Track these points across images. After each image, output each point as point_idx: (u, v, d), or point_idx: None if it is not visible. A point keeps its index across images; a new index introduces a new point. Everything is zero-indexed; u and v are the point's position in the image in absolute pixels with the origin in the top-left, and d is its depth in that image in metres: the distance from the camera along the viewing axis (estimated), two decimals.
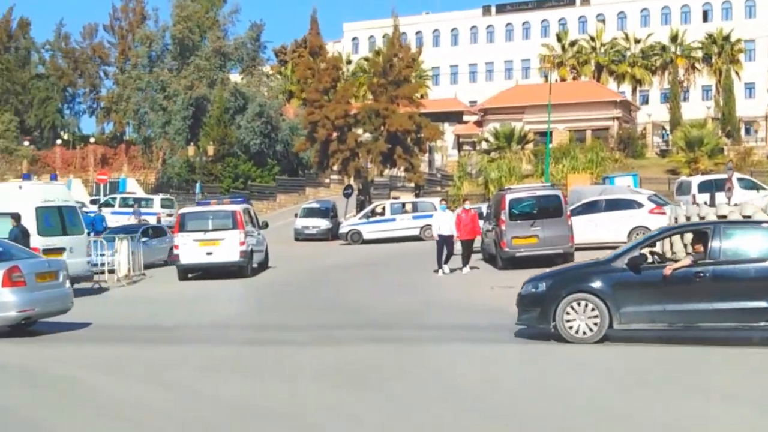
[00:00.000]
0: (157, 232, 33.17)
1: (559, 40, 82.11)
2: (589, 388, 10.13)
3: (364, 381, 10.78)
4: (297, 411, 9.28)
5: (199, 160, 65.33)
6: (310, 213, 45.69)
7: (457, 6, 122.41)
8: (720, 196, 24.90)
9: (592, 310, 12.63)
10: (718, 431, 8.36)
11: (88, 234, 25.04)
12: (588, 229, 26.20)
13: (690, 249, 13.78)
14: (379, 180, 60.09)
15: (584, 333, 12.65)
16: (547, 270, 14.72)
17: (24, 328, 15.46)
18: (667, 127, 72.25)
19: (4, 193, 22.09)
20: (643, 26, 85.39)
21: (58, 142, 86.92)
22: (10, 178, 47.46)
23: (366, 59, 78.95)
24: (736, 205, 20.18)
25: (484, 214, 29.81)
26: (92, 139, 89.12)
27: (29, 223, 20.93)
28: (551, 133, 53.82)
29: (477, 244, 26.65)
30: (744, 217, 17.49)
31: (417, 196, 51.13)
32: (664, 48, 79.74)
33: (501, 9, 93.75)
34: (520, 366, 12.00)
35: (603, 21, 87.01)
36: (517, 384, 10.66)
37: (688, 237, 15.19)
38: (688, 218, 20.43)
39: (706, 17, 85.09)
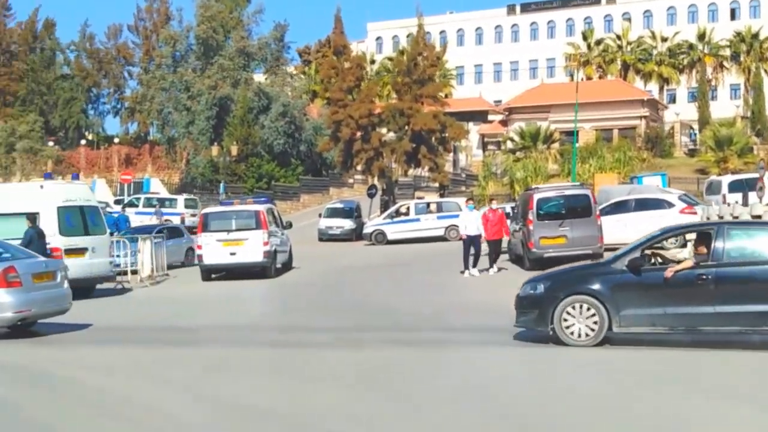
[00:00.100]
0: (174, 232, 32.63)
1: (585, 38, 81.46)
2: (592, 391, 9.83)
3: (386, 386, 10.41)
4: (298, 411, 9.12)
5: (223, 160, 65.25)
6: (333, 213, 45.42)
7: (481, 5, 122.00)
8: (752, 196, 24.41)
9: (591, 312, 12.30)
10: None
11: (111, 234, 24.84)
12: (617, 230, 25.62)
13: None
14: (403, 180, 59.74)
15: (583, 336, 12.33)
16: (547, 271, 14.34)
17: (24, 329, 15.23)
18: (695, 127, 71.44)
19: (26, 193, 21.94)
20: (669, 24, 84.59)
21: (83, 142, 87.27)
22: (34, 178, 47.45)
23: (390, 59, 78.57)
24: None
25: (510, 214, 29.40)
26: (116, 140, 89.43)
27: (51, 223, 20.74)
28: (578, 132, 53.22)
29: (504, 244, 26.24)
30: (753, 217, 17.03)
31: (441, 196, 50.70)
32: (691, 46, 78.84)
33: (526, 8, 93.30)
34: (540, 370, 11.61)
35: (629, 19, 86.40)
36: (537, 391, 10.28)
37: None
38: (720, 218, 19.93)
39: (733, 15, 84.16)
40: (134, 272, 25.15)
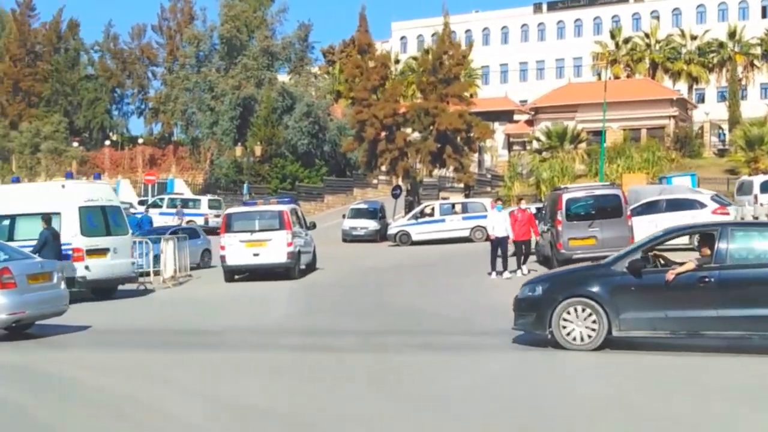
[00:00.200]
0: (190, 234, 31.92)
1: (613, 37, 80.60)
2: (590, 395, 9.35)
3: (411, 393, 10.01)
4: (297, 411, 9.02)
5: (247, 161, 65.08)
6: (358, 214, 45.07)
7: (507, 4, 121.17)
8: None
9: (590, 315, 11.96)
10: None
11: (133, 234, 24.55)
12: (648, 231, 24.96)
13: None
14: (428, 180, 59.24)
15: (581, 340, 11.99)
16: (546, 272, 13.92)
17: (20, 331, 14.99)
18: (725, 126, 70.46)
19: (47, 193, 21.69)
20: (699, 23, 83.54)
21: (107, 143, 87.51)
22: (59, 179, 47.46)
23: (414, 58, 78.08)
24: None
25: (536, 215, 28.85)
26: (140, 140, 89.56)
27: (72, 223, 20.49)
28: (605, 131, 52.53)
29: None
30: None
31: (467, 196, 50.19)
32: (721, 45, 77.72)
33: (552, 6, 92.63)
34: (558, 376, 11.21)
35: (657, 18, 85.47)
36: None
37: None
38: (755, 218, 19.40)
39: (764, 13, 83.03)
40: (157, 273, 24.86)
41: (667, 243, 13.17)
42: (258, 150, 63.97)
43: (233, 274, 25.91)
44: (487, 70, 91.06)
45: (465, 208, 40.67)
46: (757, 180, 34.67)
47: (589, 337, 11.95)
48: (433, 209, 41.45)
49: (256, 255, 25.27)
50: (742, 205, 31.45)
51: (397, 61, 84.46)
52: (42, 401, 10.05)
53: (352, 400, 9.79)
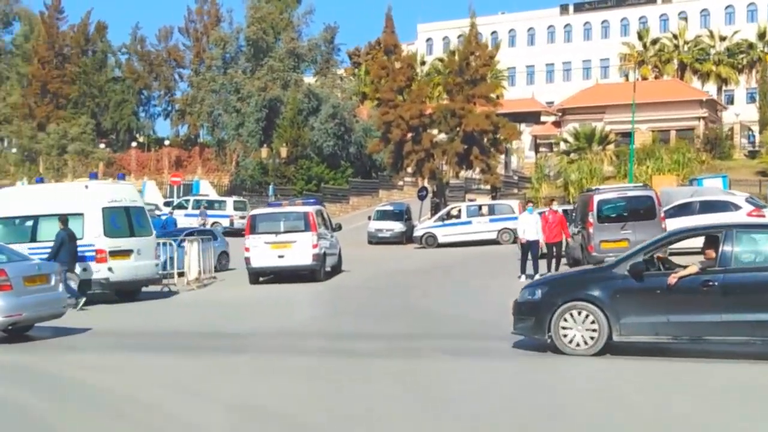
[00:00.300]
0: (205, 236, 31.30)
1: (641, 38, 79.82)
2: (588, 403, 9.13)
3: (439, 402, 9.64)
4: (302, 412, 8.99)
5: (272, 162, 64.95)
6: (383, 216, 44.70)
7: (533, 6, 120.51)
8: None
9: (590, 320, 11.65)
10: None
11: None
12: None
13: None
14: (454, 182, 58.82)
15: (581, 345, 11.68)
16: (545, 275, 13.52)
17: (18, 333, 14.77)
18: (755, 128, 69.53)
19: (71, 193, 21.44)
20: (728, 24, 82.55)
21: (134, 144, 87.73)
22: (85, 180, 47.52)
23: (440, 60, 77.67)
24: None
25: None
26: (167, 142, 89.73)
27: (95, 223, 20.27)
28: (634, 133, 51.88)
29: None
30: None
31: (493, 198, 49.72)
32: (751, 46, 76.78)
33: (579, 8, 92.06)
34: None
35: (685, 19, 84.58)
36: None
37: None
38: None
39: None
40: (181, 275, 24.61)
41: (682, 246, 12.82)
42: (283, 151, 63.82)
43: (258, 276, 25.62)
44: (513, 72, 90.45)
45: (492, 210, 40.23)
46: None
47: (590, 341, 11.67)
48: (459, 211, 41.04)
49: (281, 257, 24.96)
50: None
51: (422, 63, 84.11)
52: (62, 408, 9.81)
53: (361, 400, 9.68)
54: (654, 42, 79.19)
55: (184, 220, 41.84)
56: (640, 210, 23.14)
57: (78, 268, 19.60)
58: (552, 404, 9.50)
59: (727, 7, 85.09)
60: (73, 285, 19.05)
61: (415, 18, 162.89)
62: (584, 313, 11.68)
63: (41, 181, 25.02)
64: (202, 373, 11.76)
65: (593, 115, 62.95)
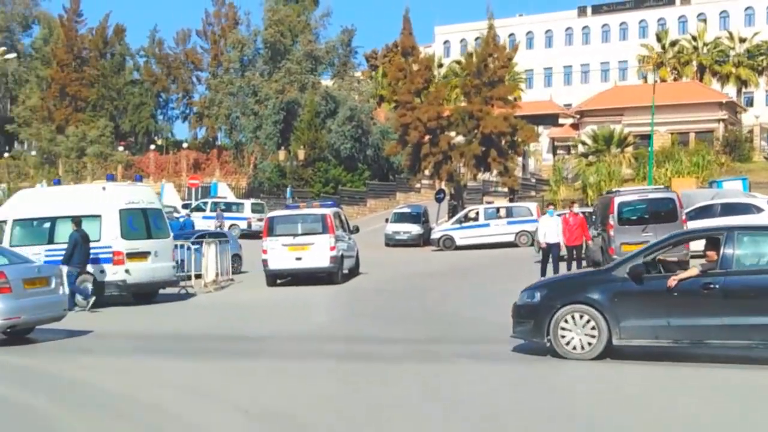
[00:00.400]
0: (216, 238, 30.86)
1: (659, 40, 79.33)
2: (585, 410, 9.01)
3: (470, 411, 9.49)
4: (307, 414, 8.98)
5: (290, 165, 64.92)
6: (401, 218, 44.58)
7: (551, 8, 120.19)
8: None
9: (589, 323, 11.51)
10: None
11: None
12: None
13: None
14: (471, 184, 58.56)
15: (580, 348, 11.54)
16: (545, 278, 13.36)
17: (19, 336, 14.69)
18: None
19: (88, 195, 21.45)
20: (747, 25, 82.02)
21: (152, 147, 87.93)
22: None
23: (458, 62, 77.50)
24: None
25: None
26: (185, 144, 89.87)
27: (113, 225, 20.25)
28: (653, 135, 51.55)
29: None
30: None
31: (511, 200, 49.45)
32: None
33: (597, 10, 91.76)
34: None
35: (704, 20, 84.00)
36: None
37: None
38: None
39: None
40: (198, 277, 24.55)
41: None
42: (301, 154, 63.78)
43: (275, 278, 25.56)
44: (531, 74, 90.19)
45: (510, 213, 40.06)
46: None
47: (589, 345, 11.54)
48: (477, 213, 40.88)
49: (298, 259, 24.89)
50: None
51: (440, 66, 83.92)
52: (62, 408, 9.73)
53: (366, 403, 9.63)
54: (673, 44, 78.69)
55: (201, 222, 41.83)
56: (662, 212, 22.93)
57: (92, 268, 19.58)
58: (558, 407, 9.43)
59: (746, 9, 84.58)
60: (89, 286, 19.03)
61: (433, 21, 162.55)
62: (583, 316, 11.56)
63: (58, 183, 25.05)
64: (219, 376, 11.68)
65: (611, 117, 62.59)
